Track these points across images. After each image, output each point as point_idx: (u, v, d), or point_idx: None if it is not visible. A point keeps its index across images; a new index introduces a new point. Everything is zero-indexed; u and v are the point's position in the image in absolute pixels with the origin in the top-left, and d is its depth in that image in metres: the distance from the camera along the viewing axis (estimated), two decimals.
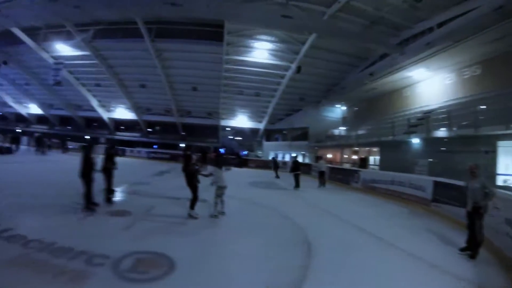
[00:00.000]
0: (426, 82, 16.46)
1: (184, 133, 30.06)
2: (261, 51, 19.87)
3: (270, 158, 21.29)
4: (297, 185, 10.88)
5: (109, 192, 6.11)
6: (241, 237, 4.63)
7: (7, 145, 18.27)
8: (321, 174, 12.10)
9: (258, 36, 18.69)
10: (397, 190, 9.05)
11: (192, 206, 5.47)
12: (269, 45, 19.38)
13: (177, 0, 14.82)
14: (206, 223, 5.24)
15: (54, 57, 22.20)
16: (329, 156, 23.55)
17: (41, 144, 20.00)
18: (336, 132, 24.05)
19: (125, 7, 16.28)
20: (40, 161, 15.22)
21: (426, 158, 12.14)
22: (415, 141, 12.79)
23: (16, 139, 20.49)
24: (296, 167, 11.32)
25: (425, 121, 12.78)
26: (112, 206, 5.90)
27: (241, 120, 28.53)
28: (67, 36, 20.57)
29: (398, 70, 15.99)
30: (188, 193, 5.63)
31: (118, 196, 7.12)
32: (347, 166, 18.52)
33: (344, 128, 23.90)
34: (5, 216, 4.60)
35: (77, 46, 20.90)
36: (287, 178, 12.95)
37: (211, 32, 18.94)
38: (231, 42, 18.90)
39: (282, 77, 21.98)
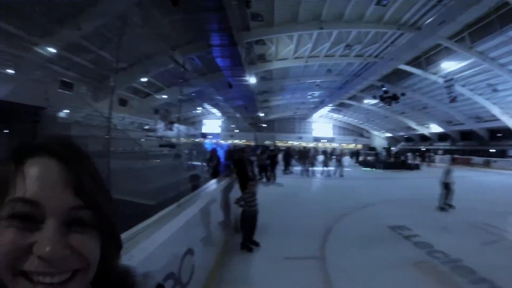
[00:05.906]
0: None
1: None
2: None
3: None
4: None
5: None
6: None
7: (416, 162, 23.86)
8: None
9: None
10: None
11: None
12: None
13: None
14: None
15: (442, 76, 23.34)
16: None
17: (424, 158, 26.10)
18: None
19: None
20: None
21: None
22: None
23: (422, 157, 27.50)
24: None
25: None
26: None
27: None
28: (446, 52, 21.10)
29: None
30: None
31: None
32: None
33: None
34: (413, 225, 5.06)
35: (459, 58, 20.91)
36: None
37: None
38: None
39: None
